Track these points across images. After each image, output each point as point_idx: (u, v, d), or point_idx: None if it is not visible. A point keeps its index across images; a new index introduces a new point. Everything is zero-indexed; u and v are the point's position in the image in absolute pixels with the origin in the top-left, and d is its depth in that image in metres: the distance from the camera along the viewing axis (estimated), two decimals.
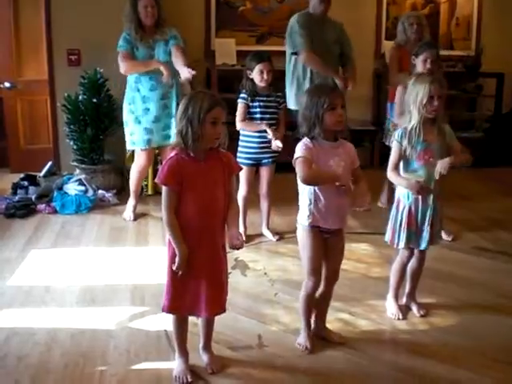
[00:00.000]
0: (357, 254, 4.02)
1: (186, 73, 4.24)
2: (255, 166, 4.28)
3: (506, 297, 3.39)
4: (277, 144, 4.01)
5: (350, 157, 2.68)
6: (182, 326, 2.58)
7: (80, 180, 5.17)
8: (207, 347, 2.68)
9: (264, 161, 4.22)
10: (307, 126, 2.62)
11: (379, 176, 4.89)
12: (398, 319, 3.09)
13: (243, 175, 4.24)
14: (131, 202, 4.84)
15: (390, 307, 3.17)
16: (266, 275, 3.68)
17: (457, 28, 7.24)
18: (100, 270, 3.73)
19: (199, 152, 2.38)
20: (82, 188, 5.11)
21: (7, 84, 6.11)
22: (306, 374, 2.63)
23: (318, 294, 2.84)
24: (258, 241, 4.29)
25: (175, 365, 2.59)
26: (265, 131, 4.05)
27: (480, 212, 5.02)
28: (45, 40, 5.73)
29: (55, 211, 4.92)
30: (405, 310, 3.17)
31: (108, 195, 5.20)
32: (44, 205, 4.97)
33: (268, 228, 4.41)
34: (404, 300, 3.23)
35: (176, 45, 4.54)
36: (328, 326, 2.93)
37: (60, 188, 5.13)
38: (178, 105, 4.55)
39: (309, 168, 2.58)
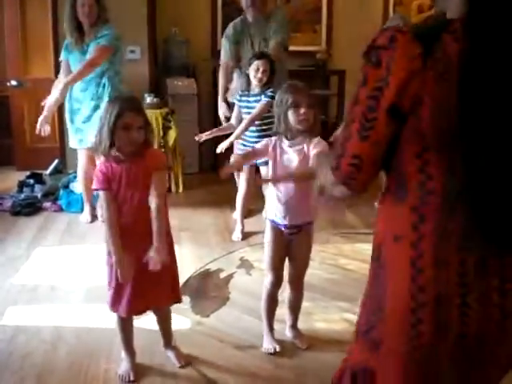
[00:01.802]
0: (362, 255, 4.00)
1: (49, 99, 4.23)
2: (253, 166, 4.24)
3: None
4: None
5: (307, 151, 2.57)
6: (126, 326, 2.59)
7: None
8: (169, 343, 2.71)
9: (258, 161, 4.02)
10: (276, 123, 2.64)
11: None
12: None
13: (242, 175, 4.24)
14: (86, 205, 4.76)
15: None
16: None
17: None
18: (105, 269, 3.73)
19: (115, 156, 2.38)
20: None
21: (14, 82, 6.13)
22: (311, 374, 2.62)
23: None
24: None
25: (121, 364, 2.60)
26: (260, 131, 4.05)
27: None
28: (51, 38, 5.75)
29: (61, 209, 4.94)
30: None
31: None
32: (50, 203, 4.98)
33: None
34: None
35: (96, 44, 4.25)
36: (333, 326, 2.92)
37: (66, 186, 5.15)
38: None
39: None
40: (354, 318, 3.06)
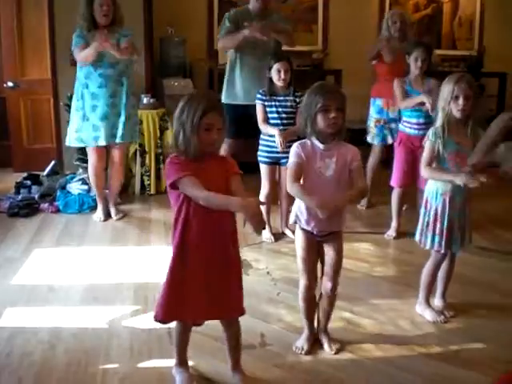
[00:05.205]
0: (359, 254, 4.02)
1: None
2: (275, 164, 4.29)
3: (509, 296, 3.40)
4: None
5: (345, 159, 2.55)
6: (185, 334, 2.51)
7: (83, 179, 5.19)
8: (237, 366, 2.53)
9: (282, 160, 4.17)
10: (302, 124, 2.59)
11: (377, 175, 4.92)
12: (441, 322, 3.05)
13: (264, 174, 4.26)
14: (99, 204, 4.82)
15: (427, 313, 3.11)
16: (269, 274, 3.68)
17: (459, 28, 7.26)
18: (103, 269, 3.74)
19: (192, 156, 2.23)
20: (85, 187, 5.12)
21: (10, 83, 6.13)
22: (307, 373, 2.63)
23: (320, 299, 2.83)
24: (260, 240, 4.28)
25: (178, 377, 2.52)
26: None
27: (481, 212, 5.01)
28: (48, 39, 5.75)
29: (58, 210, 4.94)
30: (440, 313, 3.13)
31: None
32: (47, 204, 4.98)
33: (287, 227, 4.41)
34: (435, 302, 3.20)
35: (127, 39, 4.49)
36: (331, 324, 2.92)
37: (63, 187, 5.15)
38: (126, 105, 4.53)
39: (295, 178, 2.53)
40: (352, 316, 3.10)
